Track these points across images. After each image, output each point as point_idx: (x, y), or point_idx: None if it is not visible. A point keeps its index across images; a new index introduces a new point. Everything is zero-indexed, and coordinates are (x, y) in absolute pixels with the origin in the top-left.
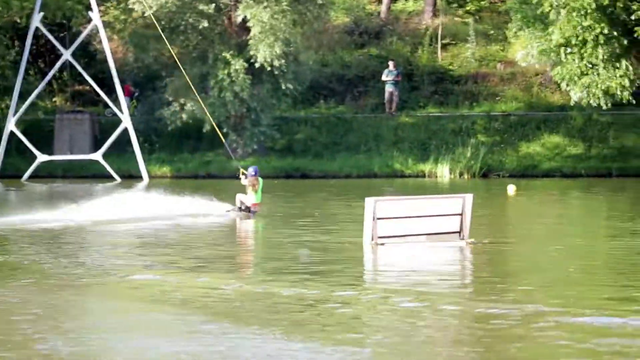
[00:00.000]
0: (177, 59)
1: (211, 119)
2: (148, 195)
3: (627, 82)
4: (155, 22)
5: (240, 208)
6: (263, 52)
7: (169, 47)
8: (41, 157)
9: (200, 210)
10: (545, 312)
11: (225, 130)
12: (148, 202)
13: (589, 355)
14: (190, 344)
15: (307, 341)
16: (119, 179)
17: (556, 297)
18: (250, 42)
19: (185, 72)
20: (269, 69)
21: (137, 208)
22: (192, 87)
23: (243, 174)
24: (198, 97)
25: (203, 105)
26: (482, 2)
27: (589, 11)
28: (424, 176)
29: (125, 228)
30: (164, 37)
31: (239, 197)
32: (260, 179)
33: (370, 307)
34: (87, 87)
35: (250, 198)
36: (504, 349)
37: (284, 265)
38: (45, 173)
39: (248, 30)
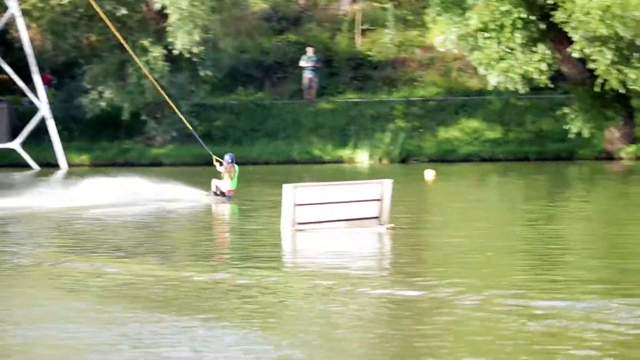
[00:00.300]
0: (123, 41)
1: (179, 113)
2: (121, 181)
3: (544, 67)
4: (97, 8)
5: (215, 193)
6: (181, 39)
7: (113, 30)
8: None
9: (171, 196)
10: (477, 297)
11: (143, 117)
12: (120, 187)
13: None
14: (109, 332)
15: (230, 328)
16: (37, 168)
17: (476, 279)
18: (169, 29)
19: (131, 52)
20: (187, 56)
21: (112, 194)
22: (144, 69)
23: (217, 161)
24: (156, 84)
25: (167, 98)
26: None
27: None
28: (343, 162)
29: (93, 214)
30: (108, 23)
31: (215, 182)
32: (236, 166)
33: (295, 293)
34: (5, 76)
35: (226, 184)
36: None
37: (205, 251)
38: None
39: (166, 17)
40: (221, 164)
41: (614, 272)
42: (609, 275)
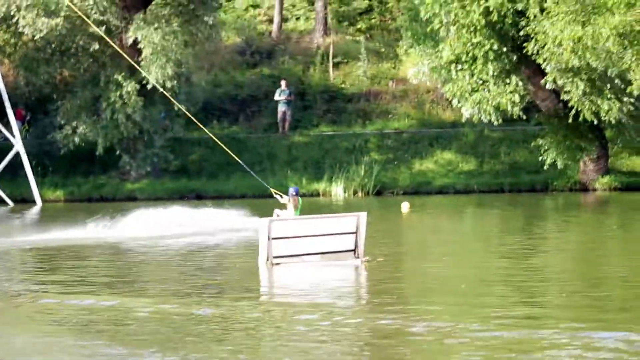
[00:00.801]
0: (134, 62)
1: (221, 143)
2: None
3: (517, 98)
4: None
5: None
6: (155, 74)
7: (120, 51)
8: None
9: (234, 226)
10: (452, 328)
11: (118, 152)
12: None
13: None
14: None
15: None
16: (11, 204)
17: (455, 312)
18: (142, 63)
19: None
20: (161, 90)
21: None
22: (168, 95)
23: (277, 194)
24: (185, 109)
25: (210, 133)
26: (373, 20)
27: (478, 27)
28: (318, 195)
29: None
30: (107, 39)
31: (277, 212)
32: (299, 199)
33: (275, 326)
34: None
35: (289, 215)
36: None
37: (180, 285)
38: None
39: (139, 51)
40: (281, 196)
41: (590, 304)
42: (585, 307)
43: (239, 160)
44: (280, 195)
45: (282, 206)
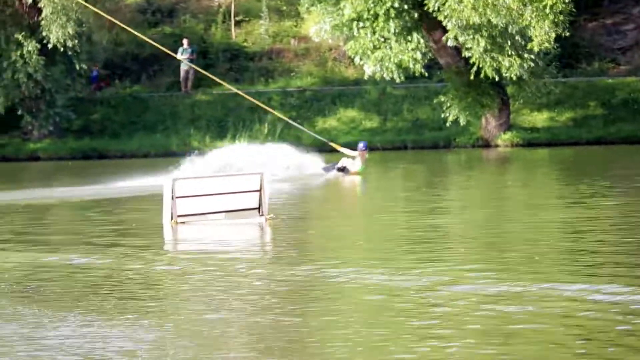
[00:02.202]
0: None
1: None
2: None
3: (419, 55)
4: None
5: (339, 169)
6: (56, 33)
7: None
8: None
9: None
10: (355, 278)
11: (19, 112)
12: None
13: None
14: None
15: (114, 318)
16: None
17: (356, 265)
18: (43, 22)
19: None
20: (62, 49)
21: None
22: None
23: (340, 148)
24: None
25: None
26: None
27: None
28: None
29: None
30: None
31: (345, 161)
32: (367, 153)
33: (179, 281)
34: None
35: (356, 166)
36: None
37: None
38: None
39: (40, 10)
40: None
41: (493, 259)
42: (486, 262)
43: (277, 113)
44: (350, 149)
45: (354, 158)
